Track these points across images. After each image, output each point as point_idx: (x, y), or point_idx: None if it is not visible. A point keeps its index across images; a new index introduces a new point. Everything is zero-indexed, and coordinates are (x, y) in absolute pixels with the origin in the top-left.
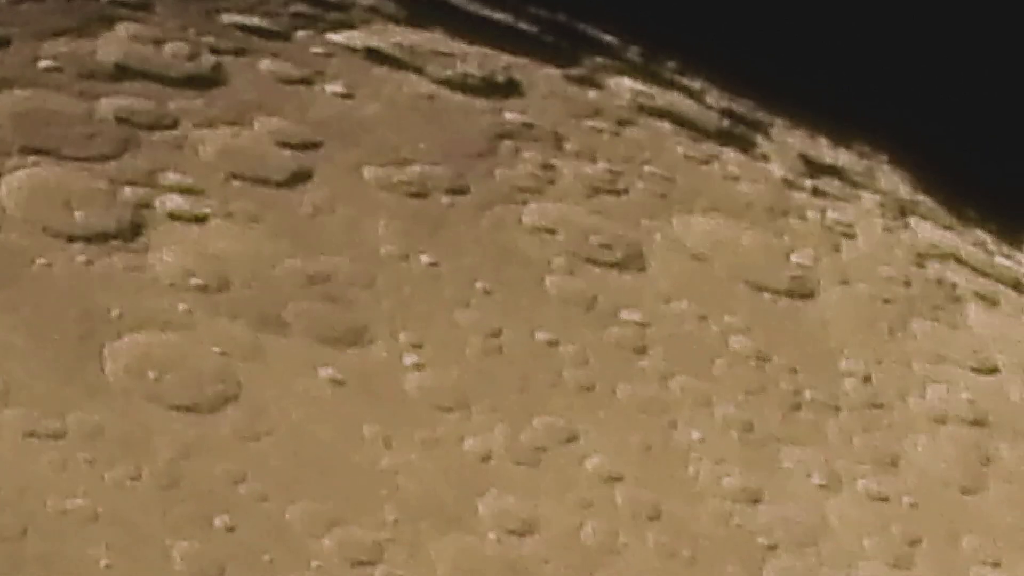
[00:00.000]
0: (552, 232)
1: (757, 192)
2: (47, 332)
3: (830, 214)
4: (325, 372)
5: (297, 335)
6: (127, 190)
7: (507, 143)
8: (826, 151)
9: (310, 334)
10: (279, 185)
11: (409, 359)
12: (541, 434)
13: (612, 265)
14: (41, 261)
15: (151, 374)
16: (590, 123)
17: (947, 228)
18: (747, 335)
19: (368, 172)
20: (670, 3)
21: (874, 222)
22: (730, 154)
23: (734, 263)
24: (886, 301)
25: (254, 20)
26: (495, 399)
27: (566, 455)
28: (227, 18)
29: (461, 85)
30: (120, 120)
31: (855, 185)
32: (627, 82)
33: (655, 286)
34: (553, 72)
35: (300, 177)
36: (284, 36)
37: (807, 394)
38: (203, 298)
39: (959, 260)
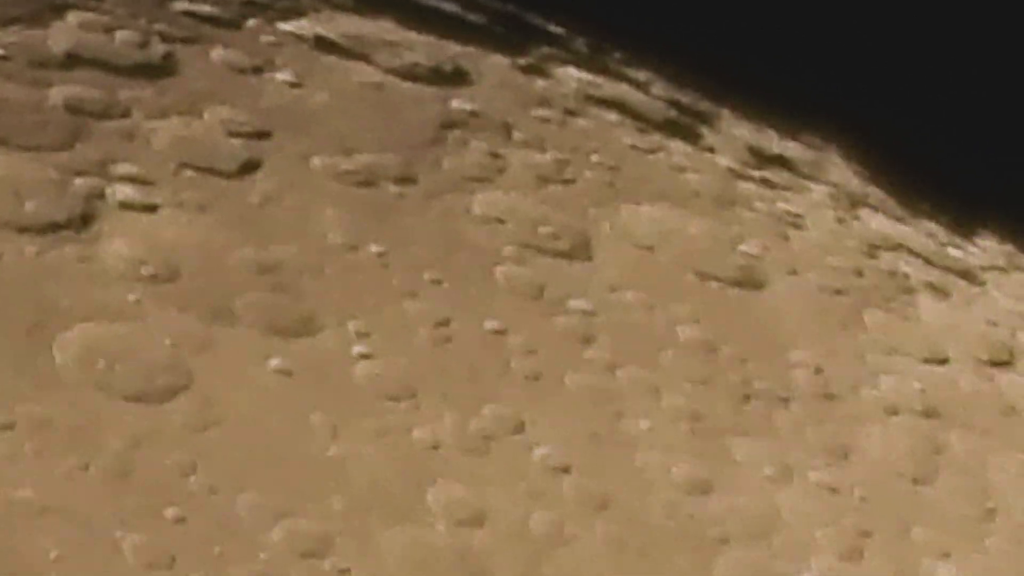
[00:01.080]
0: (501, 222)
1: (704, 182)
2: None
3: (779, 205)
4: (274, 362)
5: (247, 325)
6: (78, 180)
7: (455, 132)
8: (774, 142)
9: (259, 324)
10: (229, 175)
11: (357, 348)
12: (489, 423)
13: (560, 254)
14: None
15: (101, 365)
16: (538, 112)
17: (898, 219)
18: (695, 325)
19: (317, 161)
20: None
21: (824, 213)
22: (677, 144)
23: (682, 253)
24: (837, 292)
25: (205, 8)
26: (444, 389)
27: (514, 445)
28: (178, 6)
29: (410, 74)
30: (71, 109)
31: (804, 176)
32: (574, 72)
33: (603, 275)
34: (501, 61)
35: (250, 167)
36: (235, 25)
37: (757, 385)
38: (153, 288)
39: (911, 251)
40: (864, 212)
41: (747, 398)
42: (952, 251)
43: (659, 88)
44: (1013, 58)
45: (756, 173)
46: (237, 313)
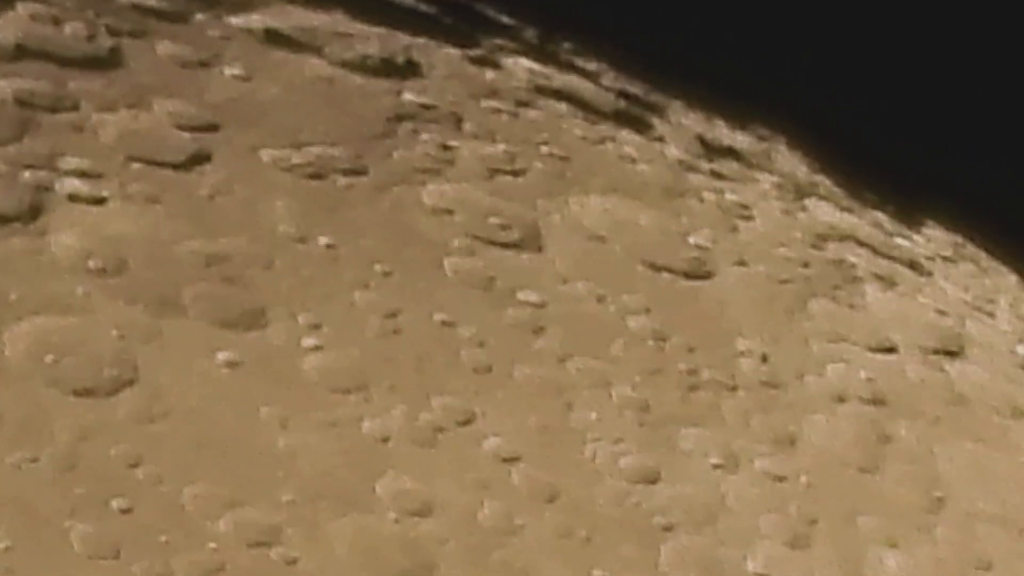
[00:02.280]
0: (451, 213)
1: (654, 173)
2: None
3: (728, 195)
4: (223, 354)
5: (195, 317)
6: (26, 173)
7: (406, 124)
8: (723, 133)
9: (208, 316)
10: (177, 167)
11: (307, 341)
12: (439, 415)
13: (510, 246)
14: None
15: (49, 358)
16: (488, 104)
17: (845, 209)
18: (645, 315)
19: (266, 154)
20: None
21: (772, 203)
22: (626, 135)
23: (631, 244)
24: (784, 282)
25: (152, 1)
26: (393, 380)
27: (464, 436)
28: None
29: (360, 66)
30: (20, 102)
31: (753, 167)
32: (524, 63)
33: (553, 267)
34: (452, 53)
35: (199, 159)
36: (182, 18)
37: (705, 374)
38: (101, 281)
39: (857, 241)
40: (812, 202)
41: (695, 388)
42: (899, 241)
43: (609, 79)
44: (959, 48)
45: (706, 164)
46: (186, 305)
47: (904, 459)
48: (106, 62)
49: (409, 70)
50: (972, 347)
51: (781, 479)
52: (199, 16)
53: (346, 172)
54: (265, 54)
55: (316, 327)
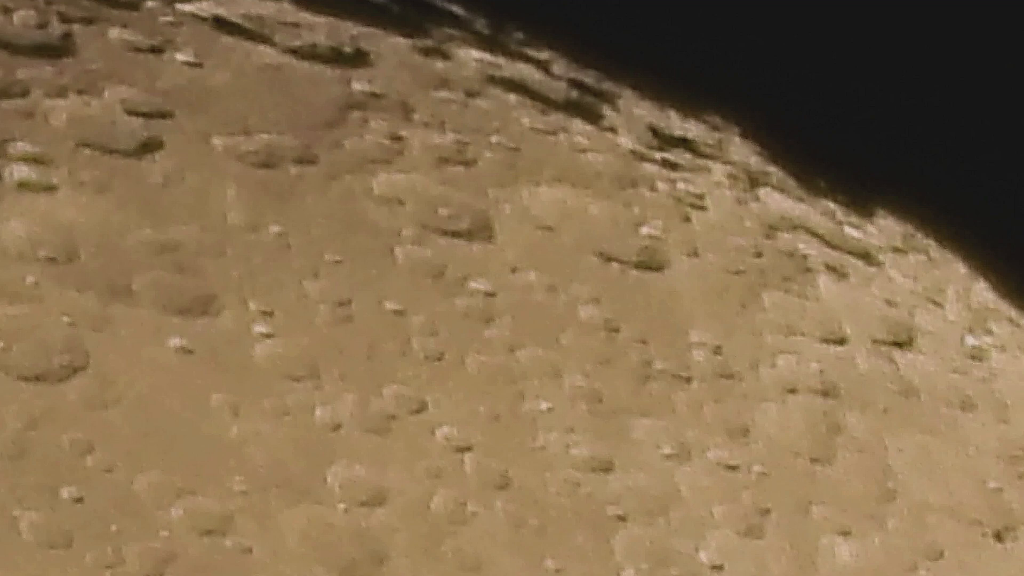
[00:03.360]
0: (401, 202)
1: (605, 163)
2: None
3: (680, 185)
4: (173, 342)
5: (146, 305)
6: None
7: (356, 113)
8: (675, 122)
9: (159, 304)
10: (128, 154)
11: (258, 328)
12: (390, 404)
13: (460, 235)
14: None
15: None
16: (438, 93)
17: (797, 199)
18: (596, 305)
19: (217, 142)
20: None
21: (724, 193)
22: (577, 125)
23: (582, 233)
24: (736, 272)
25: None
26: (344, 369)
27: (415, 425)
28: None
29: (309, 55)
30: None
31: (705, 156)
32: (474, 53)
33: (503, 256)
34: (401, 42)
35: (150, 147)
36: (133, 5)
37: (657, 365)
38: (51, 269)
39: (809, 231)
40: (764, 192)
41: (647, 378)
42: (850, 231)
43: (560, 68)
44: (910, 38)
45: (657, 154)
46: (136, 293)
47: (855, 449)
48: (57, 49)
49: (358, 59)
50: (922, 338)
51: (733, 469)
52: (150, 3)
53: (296, 161)
54: (215, 41)
55: (267, 315)
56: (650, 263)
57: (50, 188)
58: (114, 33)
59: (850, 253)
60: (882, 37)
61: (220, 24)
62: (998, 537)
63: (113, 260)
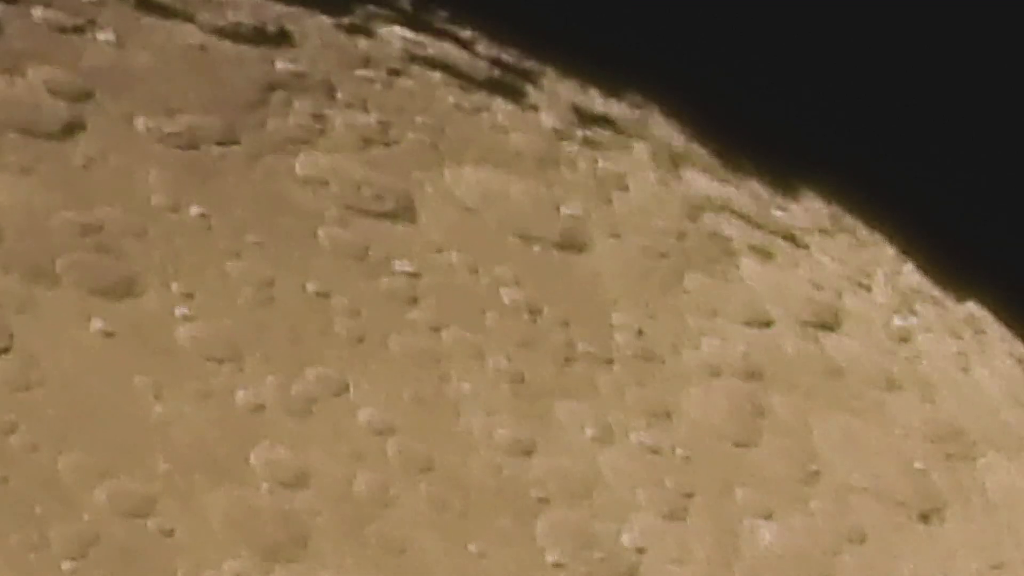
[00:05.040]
0: (324, 183)
1: (527, 142)
2: None
3: (601, 165)
4: (97, 323)
5: (69, 286)
6: None
7: (279, 93)
8: (597, 101)
9: (82, 285)
10: (52, 136)
11: (180, 310)
12: (313, 385)
13: (384, 216)
14: None
15: None
16: (361, 73)
17: (722, 180)
18: (518, 287)
19: (140, 123)
20: None
21: (647, 173)
22: (500, 104)
23: (504, 214)
24: (659, 254)
25: None
26: (267, 350)
27: (338, 406)
28: None
29: (233, 34)
30: None
31: (627, 135)
32: (398, 31)
33: (426, 237)
34: (325, 21)
35: (73, 128)
36: None
37: (579, 347)
38: None
39: (733, 212)
40: (687, 172)
41: (569, 360)
42: (776, 212)
43: (484, 47)
44: (835, 15)
45: (579, 133)
46: (59, 274)
47: (779, 432)
48: None
49: (282, 39)
50: (848, 320)
51: (657, 452)
52: None
53: (219, 141)
54: (138, 21)
55: (189, 296)
56: (572, 244)
57: None
58: (38, 13)
59: (776, 234)
60: (806, 16)
61: (143, 4)
62: (923, 519)
63: (36, 242)
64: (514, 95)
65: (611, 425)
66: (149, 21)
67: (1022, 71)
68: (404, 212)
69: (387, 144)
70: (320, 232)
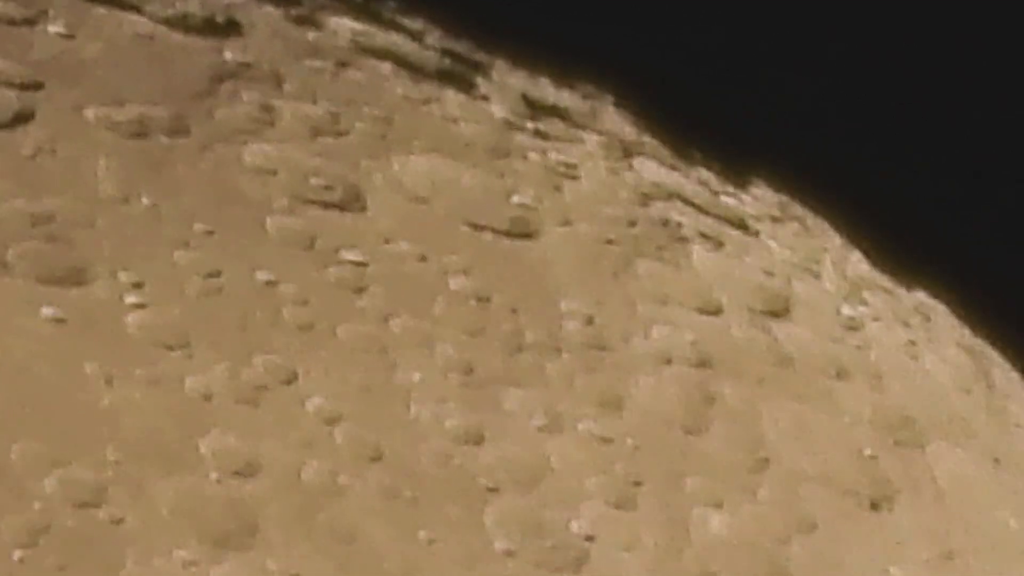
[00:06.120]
0: (272, 173)
1: (477, 133)
2: None
3: (552, 155)
4: (46, 311)
5: (19, 275)
6: None
7: (227, 83)
8: (549, 91)
9: (31, 274)
10: (1, 126)
11: (130, 298)
12: (261, 374)
13: (332, 206)
14: None
15: None
16: (310, 63)
17: (671, 168)
18: (467, 275)
19: (89, 113)
20: None
21: (598, 163)
22: (450, 95)
23: (454, 203)
24: (609, 242)
25: None
26: (215, 338)
27: (287, 395)
28: None
29: (181, 25)
30: None
31: (578, 126)
32: (347, 22)
33: (375, 226)
34: (273, 12)
35: (22, 118)
36: None
37: (528, 335)
38: None
39: (684, 200)
40: (637, 161)
41: (519, 348)
42: (726, 200)
43: (434, 38)
44: (781, 3)
45: (530, 123)
46: (9, 263)
47: (729, 420)
48: None
49: (229, 29)
50: (798, 307)
51: (606, 441)
52: None
53: (168, 131)
54: (87, 11)
55: (139, 285)
56: (522, 233)
57: None
58: None
59: (725, 222)
60: (755, 5)
61: None
62: (873, 506)
63: None
64: (464, 86)
65: (560, 414)
66: (99, 12)
67: (970, 58)
68: (353, 202)
69: (336, 134)
70: (269, 221)
